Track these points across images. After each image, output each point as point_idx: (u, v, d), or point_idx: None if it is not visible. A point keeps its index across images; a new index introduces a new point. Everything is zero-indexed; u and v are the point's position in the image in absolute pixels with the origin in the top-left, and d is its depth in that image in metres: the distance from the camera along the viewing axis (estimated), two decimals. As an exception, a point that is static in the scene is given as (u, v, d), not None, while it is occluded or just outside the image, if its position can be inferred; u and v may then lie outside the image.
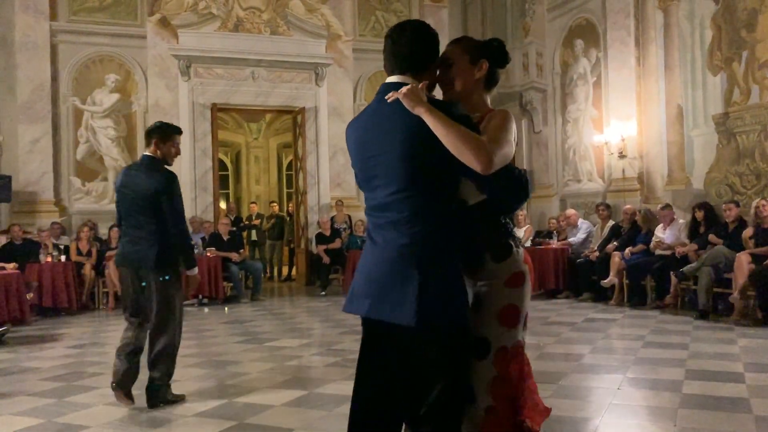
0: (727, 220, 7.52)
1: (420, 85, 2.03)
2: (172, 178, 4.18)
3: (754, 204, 7.25)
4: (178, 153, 4.36)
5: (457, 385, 2.03)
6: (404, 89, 1.97)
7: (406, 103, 1.96)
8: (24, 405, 4.21)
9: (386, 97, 2.03)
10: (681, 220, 8.41)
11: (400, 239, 1.98)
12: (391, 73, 2.14)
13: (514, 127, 2.09)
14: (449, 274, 1.99)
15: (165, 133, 4.26)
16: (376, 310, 2.00)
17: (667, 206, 8.52)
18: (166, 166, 4.24)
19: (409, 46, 2.10)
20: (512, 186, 2.11)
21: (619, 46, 10.11)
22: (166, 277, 4.09)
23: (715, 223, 7.83)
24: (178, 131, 4.37)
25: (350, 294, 2.12)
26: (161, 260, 4.08)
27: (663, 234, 8.34)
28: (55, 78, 10.92)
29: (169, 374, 4.20)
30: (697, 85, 8.88)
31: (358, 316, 2.09)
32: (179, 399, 4.19)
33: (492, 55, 2.23)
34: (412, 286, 1.92)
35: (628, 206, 9.25)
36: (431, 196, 1.99)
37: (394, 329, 1.97)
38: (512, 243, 2.15)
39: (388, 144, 2.00)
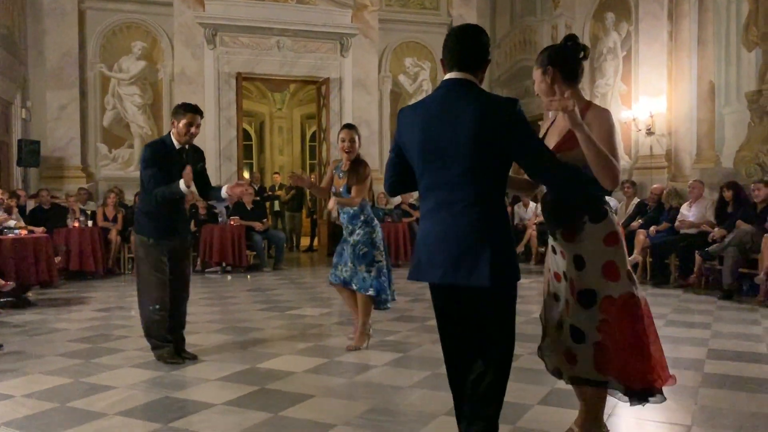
0: (755, 200, 7.38)
1: (568, 94, 2.38)
2: (145, 148, 4.53)
3: (784, 184, 7.10)
4: (187, 132, 4.36)
5: (512, 329, 2.44)
6: (570, 107, 2.30)
7: (569, 120, 2.33)
8: (53, 365, 4.32)
9: (547, 102, 2.46)
10: (707, 198, 8.26)
11: (470, 215, 2.28)
12: (450, 69, 2.38)
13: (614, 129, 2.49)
14: (508, 244, 2.35)
15: (174, 111, 4.48)
16: (452, 276, 2.30)
17: (701, 181, 8.33)
18: (161, 139, 4.57)
19: (473, 47, 2.38)
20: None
21: (651, 20, 9.87)
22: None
23: (743, 203, 7.68)
24: (185, 109, 4.40)
25: (416, 264, 2.42)
26: (135, 225, 4.68)
27: (688, 212, 8.21)
28: (82, 45, 11.01)
29: (150, 338, 4.40)
30: (731, 61, 8.66)
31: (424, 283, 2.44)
32: (168, 360, 4.33)
33: (556, 57, 2.59)
34: (485, 255, 2.25)
35: (656, 185, 9.11)
36: (493, 180, 2.31)
37: (468, 291, 2.32)
38: (607, 208, 2.53)
39: (458, 129, 2.26)
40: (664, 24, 9.66)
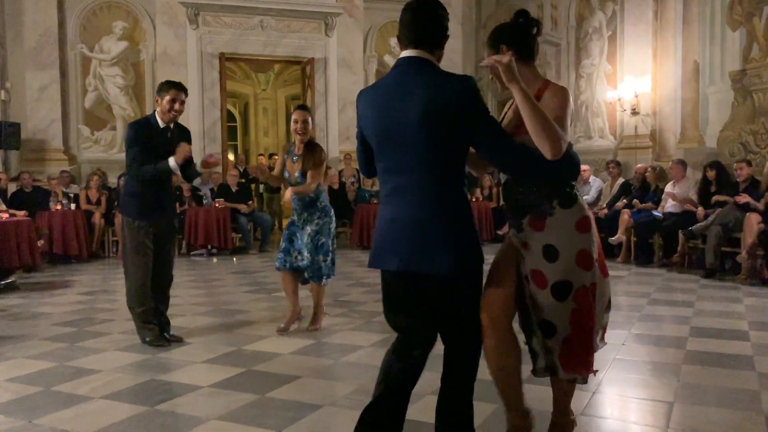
0: (738, 180, 7.44)
1: (508, 57, 2.17)
2: (129, 127, 4.47)
3: None
4: (171, 109, 4.30)
5: (476, 315, 2.35)
6: (506, 60, 2.14)
7: (505, 76, 2.14)
8: (37, 349, 4.29)
9: (483, 64, 2.30)
10: (690, 178, 8.31)
11: (427, 200, 2.18)
12: (406, 47, 2.25)
13: (569, 105, 2.32)
14: (469, 230, 2.25)
15: (158, 89, 4.41)
16: (409, 263, 2.21)
17: (681, 162, 8.37)
18: (146, 118, 4.53)
19: (429, 23, 2.24)
20: (567, 164, 2.34)
21: (636, 0, 9.86)
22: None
23: (726, 183, 7.75)
24: (168, 85, 4.36)
25: (375, 251, 2.32)
26: (120, 206, 4.80)
27: (673, 190, 8.26)
28: (62, 24, 10.81)
29: (135, 318, 4.41)
30: (716, 40, 8.68)
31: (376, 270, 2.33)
32: (153, 342, 4.32)
33: (508, 36, 2.41)
34: (443, 241, 2.17)
35: (640, 165, 9.15)
36: (451, 162, 2.20)
37: (426, 280, 2.23)
38: (576, 193, 2.41)
39: (410, 109, 2.14)
40: (650, 4, 9.66)
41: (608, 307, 2.60)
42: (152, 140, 4.30)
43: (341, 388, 3.42)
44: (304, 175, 4.51)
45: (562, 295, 2.34)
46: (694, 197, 8.02)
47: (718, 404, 3.13)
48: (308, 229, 4.59)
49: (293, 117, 4.60)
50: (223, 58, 11.59)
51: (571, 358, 2.40)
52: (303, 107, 4.69)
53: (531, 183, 2.37)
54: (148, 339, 4.34)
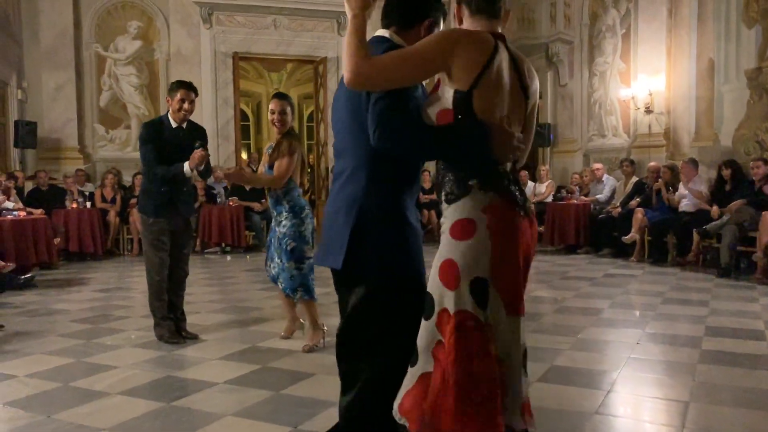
0: (754, 178, 7.39)
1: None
2: (143, 126, 4.54)
3: (783, 162, 7.11)
4: (181, 109, 4.36)
5: (391, 339, 1.96)
6: None
7: (347, 6, 1.92)
8: (55, 345, 4.35)
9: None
10: (703, 176, 8.25)
11: (348, 187, 2.00)
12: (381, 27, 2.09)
13: (431, 50, 1.84)
14: (388, 224, 1.96)
15: (169, 89, 4.51)
16: (321, 257, 2.10)
17: (692, 161, 8.31)
18: (159, 118, 4.59)
19: (401, 1, 2.06)
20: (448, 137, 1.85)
21: (650, -3, 9.80)
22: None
23: (741, 181, 7.69)
24: (177, 85, 4.42)
25: (320, 245, 2.18)
26: (138, 203, 4.72)
27: (686, 191, 8.21)
28: (77, 24, 10.89)
29: (153, 313, 4.46)
30: (731, 38, 8.60)
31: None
32: (169, 339, 4.38)
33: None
34: (345, 231, 1.96)
35: (652, 163, 9.10)
36: (372, 149, 1.87)
37: (347, 279, 2.06)
38: (474, 183, 1.83)
39: (342, 89, 2.01)
40: (664, 1, 9.60)
41: (524, 365, 1.93)
42: (164, 140, 4.36)
43: (355, 386, 3.43)
44: (271, 167, 4.12)
45: (426, 309, 1.85)
46: (706, 194, 7.96)
47: (734, 404, 3.11)
48: (277, 231, 4.18)
49: (270, 106, 4.20)
50: (237, 57, 11.64)
51: (415, 407, 1.82)
52: (281, 95, 4.27)
53: (444, 166, 1.93)
54: (164, 335, 4.38)
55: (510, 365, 1.87)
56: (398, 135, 1.81)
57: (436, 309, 1.83)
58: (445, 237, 1.87)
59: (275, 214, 4.20)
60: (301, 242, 4.09)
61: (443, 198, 1.90)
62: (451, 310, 1.78)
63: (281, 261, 4.13)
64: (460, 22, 2.02)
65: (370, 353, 2.00)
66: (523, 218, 1.88)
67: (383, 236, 1.95)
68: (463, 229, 1.81)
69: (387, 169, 1.95)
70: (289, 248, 4.08)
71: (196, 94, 4.49)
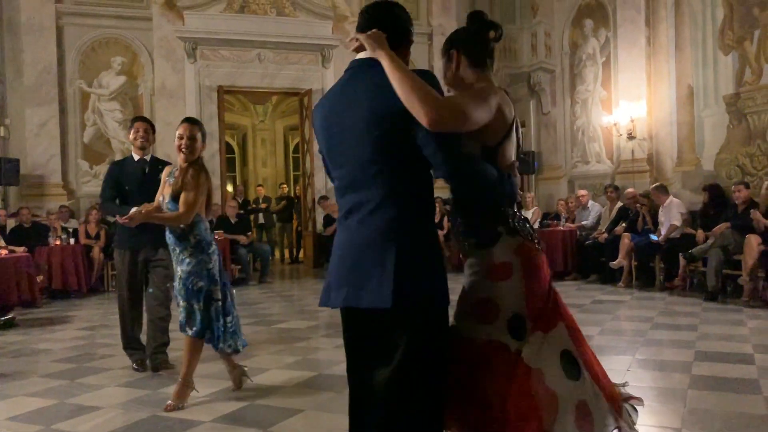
0: (736, 202, 7.47)
1: (373, 31, 1.95)
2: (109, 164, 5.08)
3: (765, 185, 7.20)
4: (135, 138, 4.66)
5: (437, 379, 1.91)
6: (370, 32, 1.93)
7: (368, 44, 1.91)
8: (36, 386, 4.25)
9: (348, 41, 2.05)
10: (675, 200, 8.32)
11: (378, 219, 1.87)
12: (361, 50, 2.01)
13: (492, 102, 1.94)
14: (427, 254, 1.90)
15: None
16: (353, 297, 1.89)
17: (659, 187, 8.39)
18: (129, 156, 4.79)
19: (384, 22, 1.99)
20: (496, 184, 1.99)
21: (629, 26, 10.00)
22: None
23: (725, 205, 7.77)
24: (133, 120, 4.82)
25: (326, 286, 2.00)
26: None
27: (662, 218, 8.29)
28: (61, 61, 10.90)
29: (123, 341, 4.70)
30: (708, 64, 8.78)
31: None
32: (136, 367, 4.56)
33: (459, 41, 2.15)
34: (388, 266, 1.82)
35: (629, 190, 9.21)
36: (408, 174, 1.88)
37: (376, 319, 1.89)
38: (503, 230, 2.03)
39: (355, 118, 1.90)
40: (642, 29, 9.79)
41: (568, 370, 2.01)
42: (125, 174, 4.60)
43: (345, 421, 3.36)
44: (175, 199, 3.73)
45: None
46: (678, 218, 8.02)
47: (726, 430, 3.09)
48: (179, 270, 3.75)
49: (178, 131, 3.80)
50: (222, 90, 11.69)
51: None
52: (191, 120, 3.96)
53: (468, 210, 2.08)
54: (134, 363, 4.59)
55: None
56: (475, 180, 1.95)
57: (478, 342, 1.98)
58: (479, 278, 2.04)
59: (177, 251, 3.76)
60: (209, 282, 3.72)
61: (473, 244, 2.06)
62: (489, 339, 1.99)
63: (186, 302, 3.70)
64: (457, 68, 2.14)
65: (429, 393, 1.90)
66: (542, 253, 2.11)
67: (428, 266, 1.89)
68: (502, 272, 2.01)
69: (419, 198, 1.92)
70: (196, 288, 3.69)
71: (152, 127, 4.78)
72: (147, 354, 4.55)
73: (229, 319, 3.83)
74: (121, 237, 4.57)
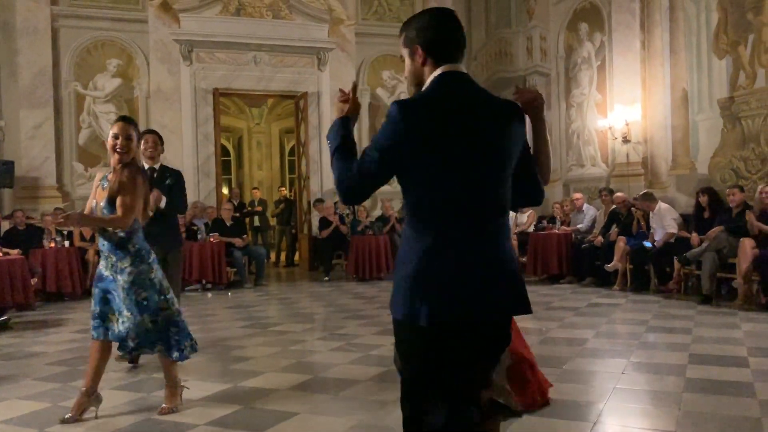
0: (731, 205, 7.49)
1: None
2: None
3: (759, 189, 7.23)
4: (145, 152, 4.88)
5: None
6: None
7: (540, 110, 2.09)
8: (30, 389, 4.23)
9: (517, 96, 2.09)
10: (663, 206, 8.34)
11: (501, 236, 1.89)
12: (450, 61, 1.91)
13: None
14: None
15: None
16: (511, 307, 1.89)
17: (646, 195, 8.43)
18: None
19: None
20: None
21: (623, 30, 10.03)
22: None
23: (719, 209, 7.80)
24: (144, 132, 4.96)
25: (451, 298, 1.80)
26: None
27: (653, 223, 8.32)
28: (56, 63, 10.88)
29: None
30: (703, 69, 8.81)
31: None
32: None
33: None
34: (520, 277, 1.94)
35: (618, 194, 9.23)
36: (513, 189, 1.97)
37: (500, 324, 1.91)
38: None
39: (493, 137, 1.87)
40: (637, 34, 9.82)
41: None
42: None
43: (340, 425, 3.37)
44: (112, 203, 3.48)
45: None
46: (672, 225, 8.04)
47: (721, 433, 3.10)
48: (120, 280, 3.53)
49: (112, 130, 3.57)
50: (217, 93, 11.69)
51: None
52: (126, 118, 3.74)
53: None
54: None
55: None
56: None
57: None
58: None
59: (113, 259, 3.53)
60: (153, 291, 3.56)
61: None
62: None
63: (132, 315, 3.49)
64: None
65: None
66: None
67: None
68: None
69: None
70: (141, 299, 3.51)
71: (161, 139, 5.10)
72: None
73: (174, 330, 3.66)
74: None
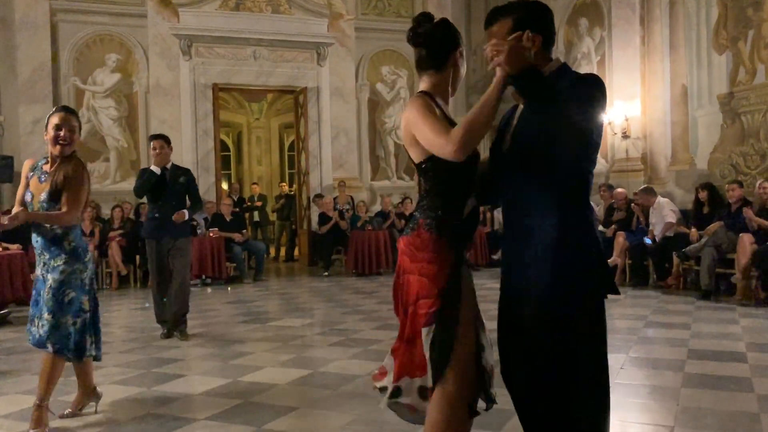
0: (730, 201, 7.50)
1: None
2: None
3: (758, 184, 7.24)
4: (155, 157, 5.76)
5: None
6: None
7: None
8: (30, 384, 4.23)
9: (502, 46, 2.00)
10: (662, 200, 8.35)
11: None
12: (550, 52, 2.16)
13: None
14: None
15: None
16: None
17: (645, 189, 8.44)
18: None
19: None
20: None
21: (623, 25, 10.02)
22: None
23: (718, 204, 7.81)
24: (151, 138, 5.97)
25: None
26: None
27: (653, 219, 8.32)
28: (55, 58, 10.87)
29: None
30: (702, 64, 8.80)
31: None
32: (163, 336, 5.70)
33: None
34: None
35: (619, 190, 9.23)
36: None
37: None
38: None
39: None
40: (637, 29, 9.81)
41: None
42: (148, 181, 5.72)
43: (339, 419, 3.38)
44: (55, 197, 3.27)
45: None
46: (671, 215, 8.05)
47: (719, 428, 3.11)
48: (49, 279, 3.30)
49: (53, 120, 3.32)
50: (217, 88, 11.67)
51: None
52: (68, 109, 3.46)
53: None
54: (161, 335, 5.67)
55: None
56: None
57: None
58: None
59: (46, 257, 3.32)
60: (81, 292, 3.35)
61: None
62: None
63: (52, 316, 3.25)
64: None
65: None
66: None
67: None
68: None
69: None
70: (67, 300, 3.29)
71: (168, 141, 5.77)
72: (171, 323, 5.67)
73: (93, 330, 3.48)
74: (147, 229, 5.81)
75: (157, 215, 5.66)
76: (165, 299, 5.71)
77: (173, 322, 5.66)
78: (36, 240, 3.34)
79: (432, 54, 2.14)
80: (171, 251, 5.64)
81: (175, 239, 5.64)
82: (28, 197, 3.33)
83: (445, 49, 2.14)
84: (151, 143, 5.76)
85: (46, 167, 3.35)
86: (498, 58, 1.92)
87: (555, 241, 1.92)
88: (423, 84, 2.19)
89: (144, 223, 6.17)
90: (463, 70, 2.20)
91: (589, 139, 1.98)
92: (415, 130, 2.03)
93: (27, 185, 3.36)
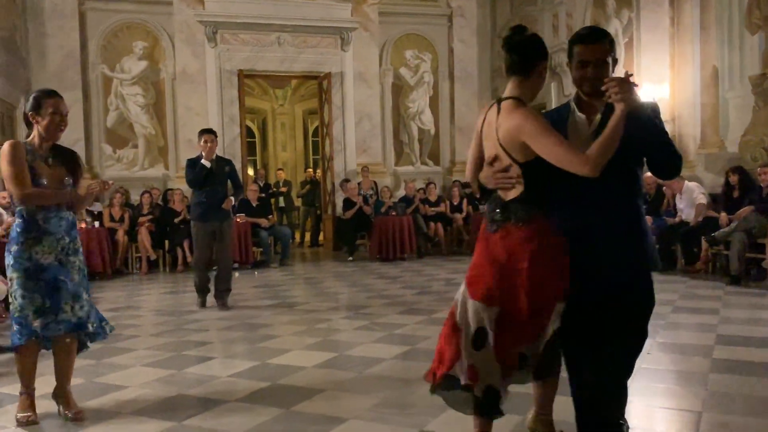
0: (761, 184, 7.36)
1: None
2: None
3: (790, 168, 7.09)
4: (204, 151, 6.39)
5: None
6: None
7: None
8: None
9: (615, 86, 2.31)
10: (690, 183, 8.22)
11: None
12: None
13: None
14: None
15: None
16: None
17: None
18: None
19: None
20: None
21: (652, 6, 9.81)
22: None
23: (749, 188, 7.67)
24: (202, 132, 6.56)
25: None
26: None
27: (681, 203, 8.20)
28: (84, 46, 11.03)
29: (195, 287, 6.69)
30: (734, 45, 8.61)
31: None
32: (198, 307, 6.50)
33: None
34: None
35: (648, 174, 9.07)
36: None
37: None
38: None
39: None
40: (666, 10, 9.61)
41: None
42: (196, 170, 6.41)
43: (365, 401, 3.43)
44: (64, 182, 3.32)
45: None
46: (701, 197, 7.93)
47: (748, 413, 3.09)
48: (77, 262, 3.34)
49: (49, 108, 3.25)
50: (242, 75, 11.73)
51: None
52: (56, 93, 3.37)
53: None
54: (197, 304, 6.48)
55: None
56: None
57: None
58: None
59: (66, 240, 3.28)
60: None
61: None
62: None
63: (89, 296, 3.38)
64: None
65: None
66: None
67: None
68: None
69: None
70: (86, 277, 3.45)
71: (215, 135, 6.49)
72: (213, 295, 6.46)
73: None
74: (195, 212, 6.51)
75: (204, 200, 6.32)
76: (208, 271, 6.56)
77: (215, 296, 6.44)
78: (60, 224, 3.24)
79: (522, 60, 2.46)
80: (216, 233, 6.36)
81: (221, 222, 6.38)
82: (44, 182, 3.20)
83: (533, 59, 2.47)
84: (203, 137, 6.32)
85: (41, 150, 3.26)
86: (619, 96, 2.23)
87: (636, 226, 2.50)
88: (511, 89, 2.48)
89: (191, 207, 6.85)
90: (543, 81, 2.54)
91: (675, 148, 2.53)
92: (535, 143, 2.30)
93: (26, 168, 3.16)
